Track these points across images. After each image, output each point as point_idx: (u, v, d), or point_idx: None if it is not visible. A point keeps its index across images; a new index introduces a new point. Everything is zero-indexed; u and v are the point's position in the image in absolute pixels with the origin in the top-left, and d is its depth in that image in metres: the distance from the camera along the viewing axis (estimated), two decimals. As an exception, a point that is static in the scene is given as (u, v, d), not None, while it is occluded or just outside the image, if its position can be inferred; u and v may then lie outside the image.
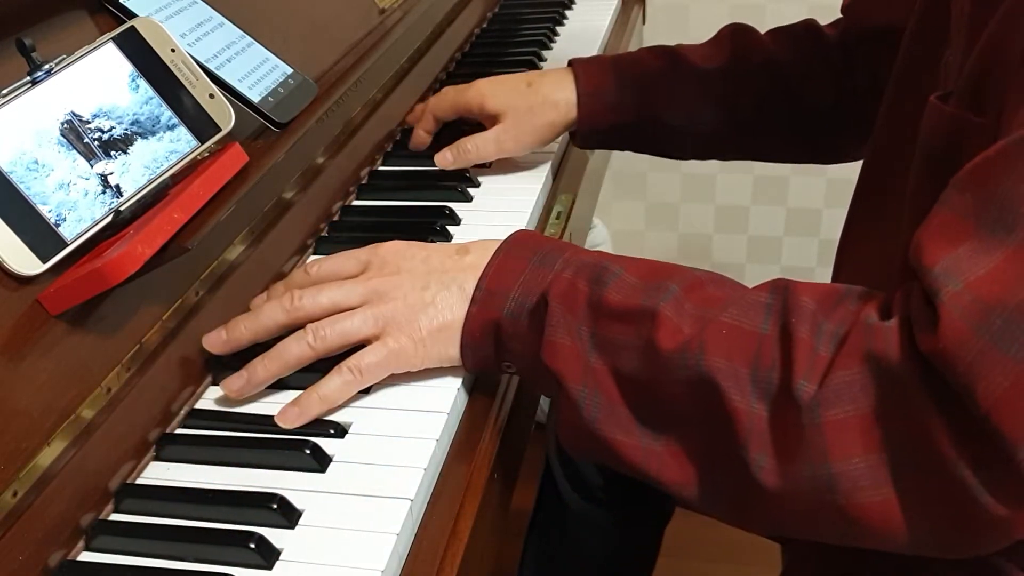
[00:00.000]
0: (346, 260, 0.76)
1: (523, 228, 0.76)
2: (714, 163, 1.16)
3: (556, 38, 1.40)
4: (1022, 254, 0.53)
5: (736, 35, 1.06)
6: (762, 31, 1.08)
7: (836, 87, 1.04)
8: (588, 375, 0.64)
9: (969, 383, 0.52)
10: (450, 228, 0.91)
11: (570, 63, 1.06)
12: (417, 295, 0.71)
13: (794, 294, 0.61)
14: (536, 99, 1.02)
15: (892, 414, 0.56)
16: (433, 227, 0.90)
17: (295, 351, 0.70)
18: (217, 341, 0.73)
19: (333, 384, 0.69)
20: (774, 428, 0.58)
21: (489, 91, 1.03)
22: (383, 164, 1.05)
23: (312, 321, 0.71)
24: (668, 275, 0.67)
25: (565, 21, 1.46)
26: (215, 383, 0.75)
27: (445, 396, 0.71)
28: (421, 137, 1.06)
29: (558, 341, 0.65)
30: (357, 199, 0.99)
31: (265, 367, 0.70)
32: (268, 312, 0.72)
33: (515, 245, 0.72)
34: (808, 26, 1.07)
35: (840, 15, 1.07)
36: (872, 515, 0.57)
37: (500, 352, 0.70)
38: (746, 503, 0.62)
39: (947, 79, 0.72)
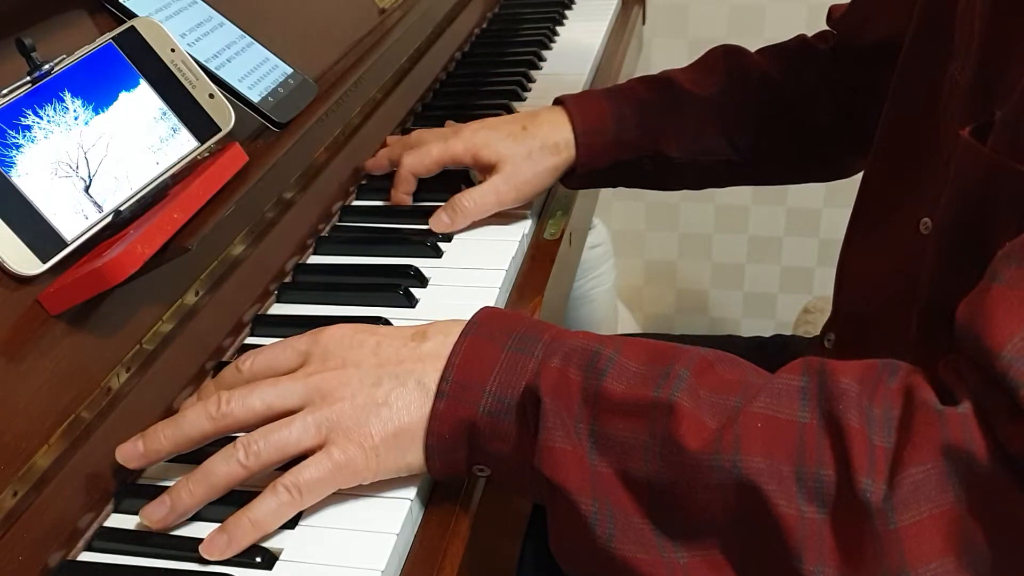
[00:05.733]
0: (282, 351, 0.65)
1: (487, 305, 0.67)
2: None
3: (556, 38, 1.40)
4: None
5: (729, 58, 1.03)
6: (763, 31, 1.07)
7: (836, 103, 1.02)
8: (596, 485, 0.56)
9: None
10: (450, 228, 0.91)
11: (559, 101, 1.00)
12: (367, 393, 0.61)
13: (833, 376, 0.54)
14: (534, 144, 0.95)
15: (981, 513, 0.50)
16: (433, 227, 0.90)
17: (223, 471, 0.60)
18: (133, 454, 0.62)
19: (266, 507, 0.59)
20: (836, 534, 0.51)
21: (481, 140, 0.95)
22: (383, 164, 1.05)
23: (243, 429, 0.61)
24: (672, 358, 0.58)
25: (565, 21, 1.46)
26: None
27: (445, 396, 0.71)
28: (402, 199, 0.97)
29: (557, 447, 0.57)
30: (357, 199, 0.99)
31: (190, 492, 0.60)
32: (192, 420, 0.62)
33: (483, 327, 0.63)
34: (801, 43, 1.06)
35: (826, 26, 1.06)
36: None
37: (473, 454, 0.61)
38: None
39: (953, 94, 0.71)
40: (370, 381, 0.61)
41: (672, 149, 1.00)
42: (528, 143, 0.95)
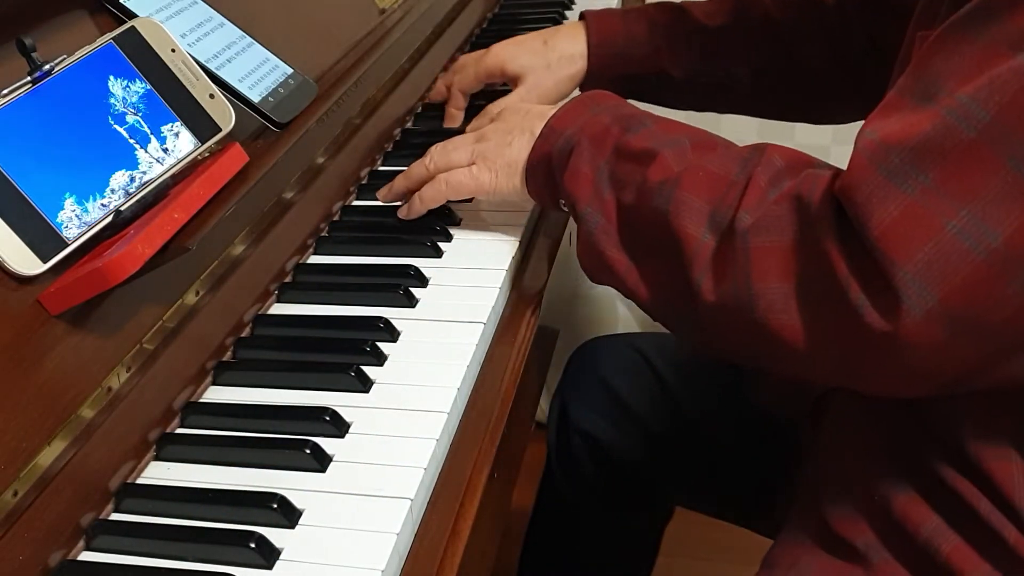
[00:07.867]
0: (495, 104, 0.98)
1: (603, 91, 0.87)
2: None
3: (556, 38, 1.40)
4: (933, 113, 0.61)
5: None
6: None
7: (830, 49, 1.06)
8: (596, 199, 0.77)
9: (865, 212, 0.61)
10: (451, 229, 0.91)
11: (582, 15, 1.12)
12: (503, 137, 0.87)
13: (768, 152, 0.71)
14: (553, 56, 1.09)
15: (805, 248, 0.65)
16: (434, 228, 0.91)
17: (416, 172, 0.91)
18: (386, 195, 0.94)
19: (430, 190, 0.89)
20: (715, 255, 0.68)
21: (508, 54, 1.09)
22: (383, 164, 1.05)
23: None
24: (688, 134, 0.77)
25: (565, 21, 1.46)
26: (215, 382, 0.75)
27: (445, 396, 0.71)
28: (454, 115, 1.11)
29: (580, 169, 0.78)
30: (357, 199, 0.99)
31: (401, 181, 0.92)
32: (416, 170, 0.91)
33: (588, 96, 0.86)
34: None
35: None
36: (781, 335, 0.66)
37: (551, 186, 0.82)
38: (688, 320, 0.72)
39: None
40: (507, 130, 0.88)
41: (674, 69, 1.10)
42: (548, 55, 1.10)
